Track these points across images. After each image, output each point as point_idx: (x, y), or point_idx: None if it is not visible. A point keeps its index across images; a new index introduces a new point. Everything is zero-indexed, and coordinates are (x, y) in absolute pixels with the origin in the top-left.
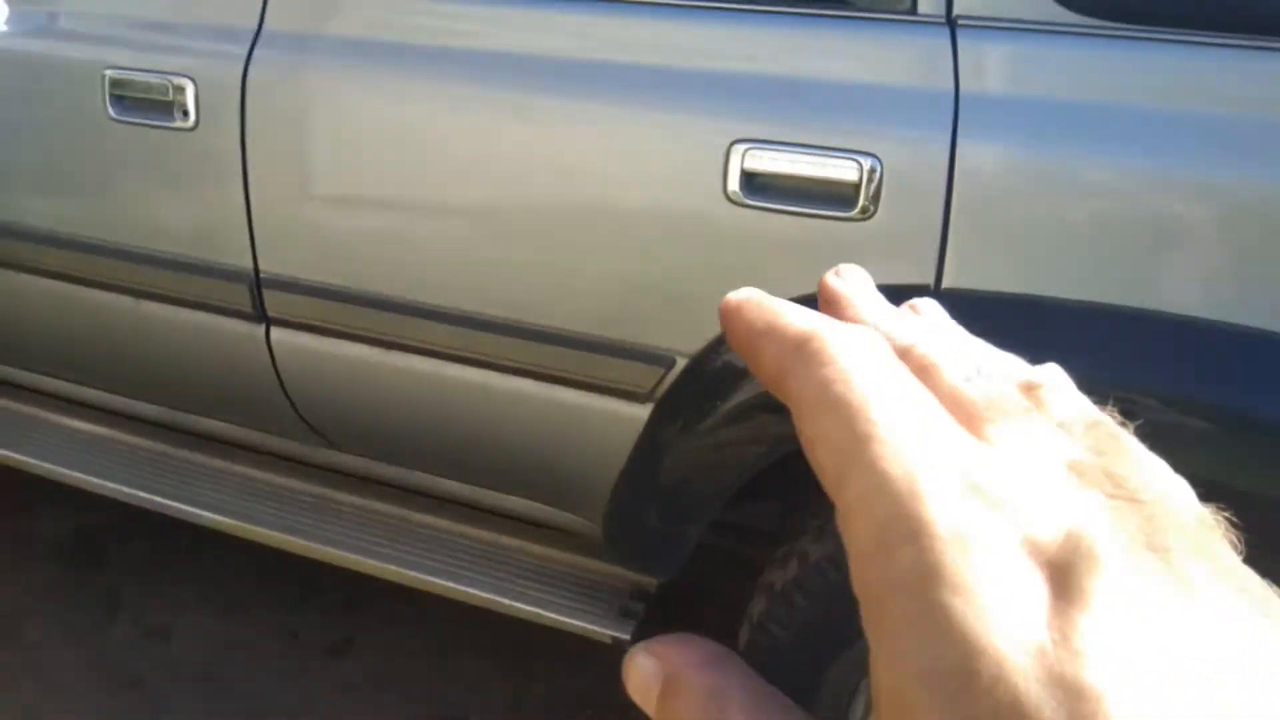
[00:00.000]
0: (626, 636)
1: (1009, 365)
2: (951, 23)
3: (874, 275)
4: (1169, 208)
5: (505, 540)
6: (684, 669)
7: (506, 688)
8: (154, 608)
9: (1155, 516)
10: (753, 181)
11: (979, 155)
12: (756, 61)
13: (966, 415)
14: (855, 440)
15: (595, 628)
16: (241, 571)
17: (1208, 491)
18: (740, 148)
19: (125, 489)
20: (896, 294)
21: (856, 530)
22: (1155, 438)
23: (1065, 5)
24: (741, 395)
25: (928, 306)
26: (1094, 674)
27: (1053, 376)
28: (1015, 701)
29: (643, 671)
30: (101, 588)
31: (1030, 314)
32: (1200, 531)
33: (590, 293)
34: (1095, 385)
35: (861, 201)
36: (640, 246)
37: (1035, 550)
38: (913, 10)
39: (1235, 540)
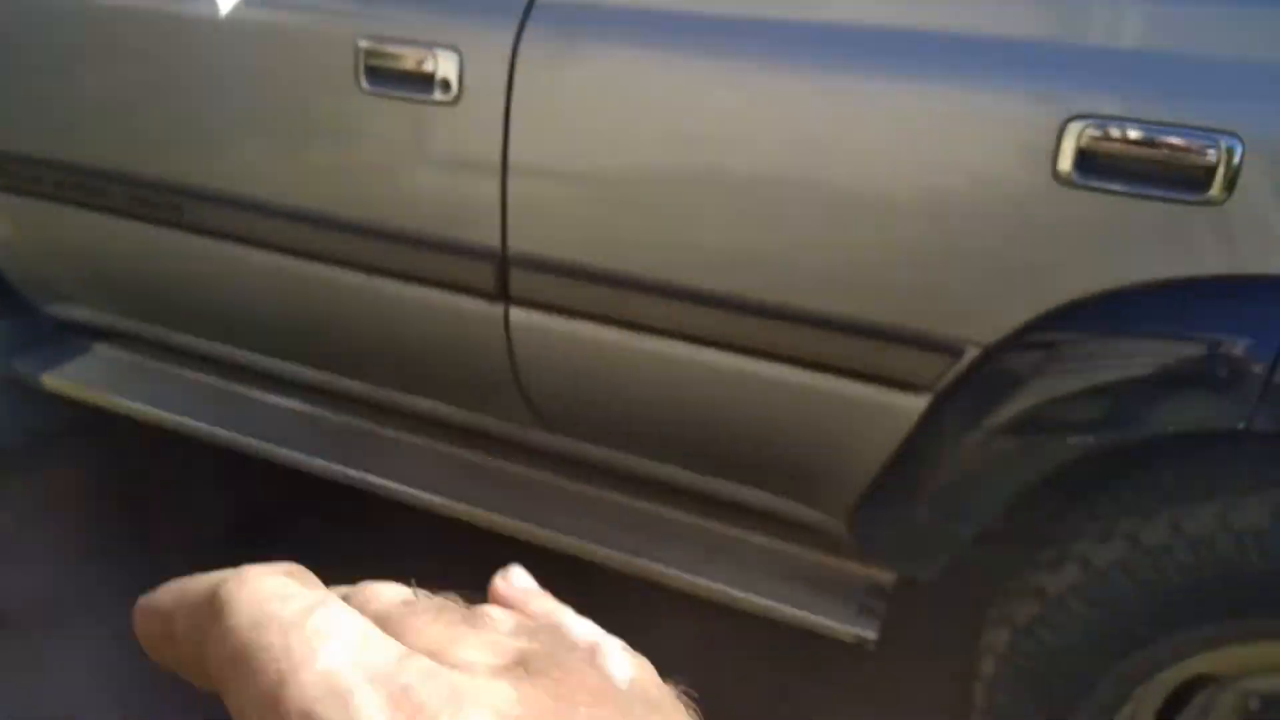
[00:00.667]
0: (872, 635)
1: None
2: None
3: (1209, 266)
4: None
5: (729, 530)
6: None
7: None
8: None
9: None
10: (1088, 161)
11: None
12: (1088, 33)
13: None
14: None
15: (839, 625)
16: (417, 550)
17: None
18: (1076, 125)
19: (334, 465)
20: (1249, 287)
21: None
22: None
23: None
24: (1040, 395)
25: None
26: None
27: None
28: None
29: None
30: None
31: None
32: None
33: (877, 277)
34: None
35: (1217, 184)
36: (945, 230)
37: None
38: None
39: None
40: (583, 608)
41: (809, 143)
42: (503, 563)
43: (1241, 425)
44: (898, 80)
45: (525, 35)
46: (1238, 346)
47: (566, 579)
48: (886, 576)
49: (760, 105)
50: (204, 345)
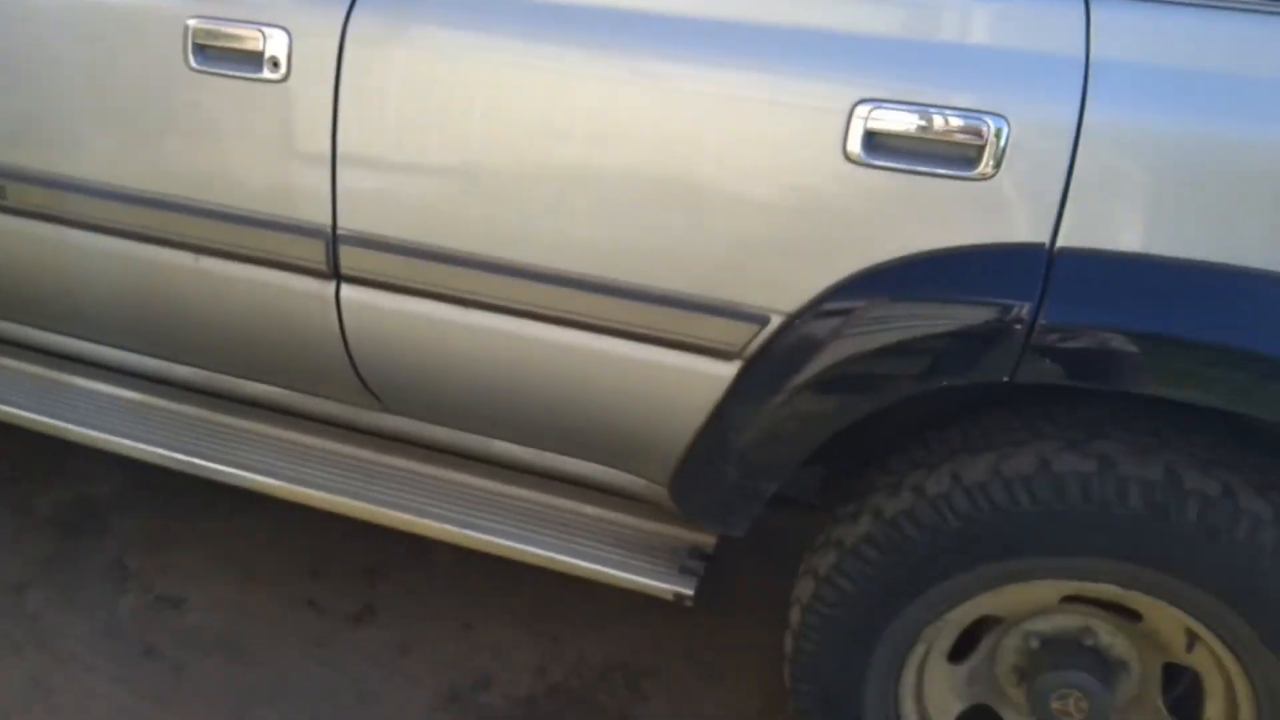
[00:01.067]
0: (689, 592)
1: None
2: None
3: (978, 237)
4: None
5: (559, 501)
6: None
7: (532, 653)
8: (165, 577)
9: None
10: (874, 141)
11: (1110, 120)
12: (881, 22)
13: None
14: None
15: (658, 583)
16: (253, 540)
17: None
18: (863, 108)
19: (166, 453)
20: (1010, 256)
21: None
22: None
23: None
24: (835, 355)
25: None
26: None
27: None
28: None
29: None
30: (108, 558)
31: (1157, 274)
32: None
33: (690, 251)
34: None
35: (985, 162)
36: (748, 208)
37: None
38: None
39: None
40: (420, 584)
41: (622, 125)
42: (343, 547)
43: (1006, 379)
44: (704, 66)
45: (354, 14)
46: (1003, 308)
47: (409, 557)
48: (708, 538)
49: (576, 89)
50: (29, 332)
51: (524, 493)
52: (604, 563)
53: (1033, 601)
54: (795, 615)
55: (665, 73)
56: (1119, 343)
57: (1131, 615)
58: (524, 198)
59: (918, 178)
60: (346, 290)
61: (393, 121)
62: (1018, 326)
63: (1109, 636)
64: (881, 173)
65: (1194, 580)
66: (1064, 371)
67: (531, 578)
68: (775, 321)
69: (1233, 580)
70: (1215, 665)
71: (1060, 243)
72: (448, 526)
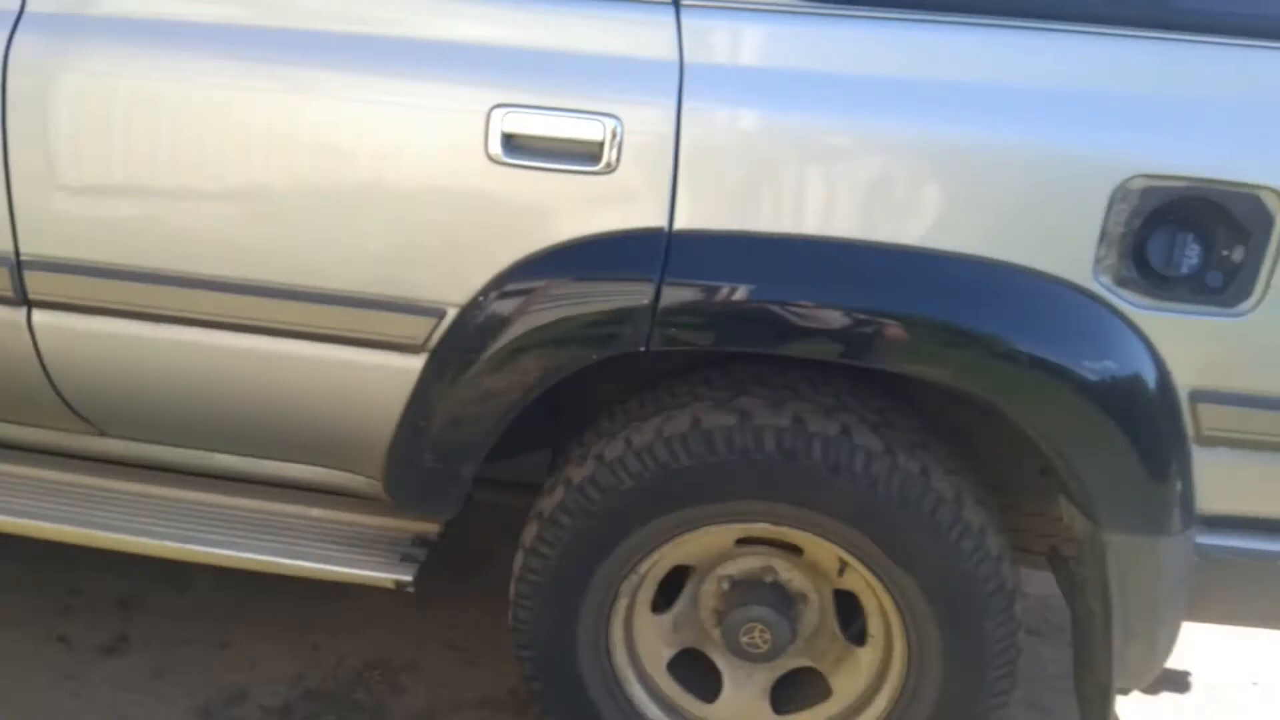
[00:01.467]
0: (409, 578)
1: None
2: (677, 3)
3: (610, 224)
4: (860, 156)
5: (284, 507)
6: None
7: (290, 663)
8: None
9: None
10: (512, 142)
11: (705, 115)
12: (512, 35)
13: None
14: None
15: (376, 574)
16: None
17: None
18: (499, 112)
19: None
20: (634, 240)
21: None
22: None
23: None
24: (501, 340)
25: None
26: None
27: None
28: None
29: None
30: None
31: (754, 249)
32: None
33: (361, 253)
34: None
35: (606, 158)
36: (410, 210)
37: None
38: None
39: None
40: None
41: (285, 137)
42: (96, 581)
43: (642, 348)
44: (357, 76)
45: (16, 38)
46: (633, 287)
47: (165, 585)
48: (430, 526)
49: (238, 104)
50: None
51: (248, 503)
52: (326, 561)
53: (713, 548)
54: (511, 587)
55: (324, 85)
56: (730, 309)
57: (796, 550)
58: (197, 212)
59: (553, 174)
60: (38, 315)
61: (63, 145)
62: (645, 303)
63: (787, 573)
64: (522, 171)
65: (827, 510)
66: (688, 338)
67: (290, 592)
68: (451, 314)
69: (857, 506)
70: (865, 585)
71: (677, 226)
72: (167, 543)
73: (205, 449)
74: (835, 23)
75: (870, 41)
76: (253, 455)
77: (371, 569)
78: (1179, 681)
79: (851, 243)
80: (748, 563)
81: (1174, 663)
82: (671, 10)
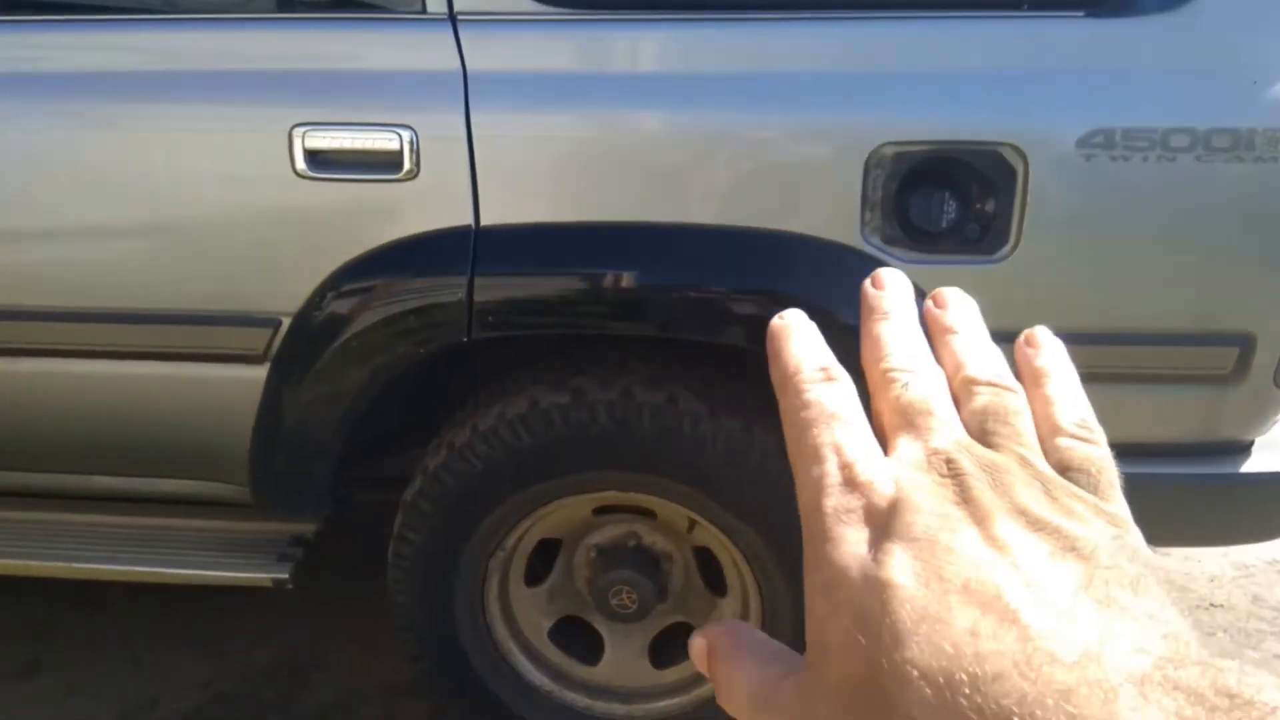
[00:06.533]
0: (285, 576)
1: (943, 382)
2: (454, 19)
3: (421, 226)
4: (644, 146)
5: (166, 521)
6: (716, 637)
7: (201, 671)
8: None
9: (978, 487)
10: (316, 158)
11: (491, 119)
12: (306, 60)
13: (896, 425)
14: (800, 452)
15: (255, 575)
16: None
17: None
18: (300, 130)
19: None
20: (445, 239)
21: (800, 505)
22: None
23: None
24: (337, 342)
25: (952, 299)
26: (889, 573)
27: (998, 397)
28: (850, 596)
29: (695, 647)
30: None
31: (552, 238)
32: (1041, 492)
33: (190, 272)
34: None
35: (407, 165)
36: (230, 228)
37: (871, 512)
38: (423, 10)
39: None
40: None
41: (108, 170)
42: (10, 611)
43: (466, 339)
44: (166, 107)
45: None
46: (449, 283)
47: (80, 610)
48: (307, 527)
49: (62, 142)
50: None
51: (131, 519)
52: (207, 567)
53: (573, 519)
54: (389, 574)
55: (138, 118)
56: (536, 296)
57: (650, 515)
58: (36, 247)
59: (360, 184)
60: None
61: None
62: (460, 297)
63: (649, 536)
64: (330, 184)
65: (664, 473)
66: (505, 325)
67: (199, 606)
68: (285, 323)
69: (689, 466)
70: (715, 540)
71: (483, 223)
72: (52, 563)
73: (79, 473)
74: (595, 26)
75: (633, 40)
76: (125, 475)
77: (250, 570)
78: None
79: (642, 226)
80: (612, 530)
81: None
82: (448, 25)
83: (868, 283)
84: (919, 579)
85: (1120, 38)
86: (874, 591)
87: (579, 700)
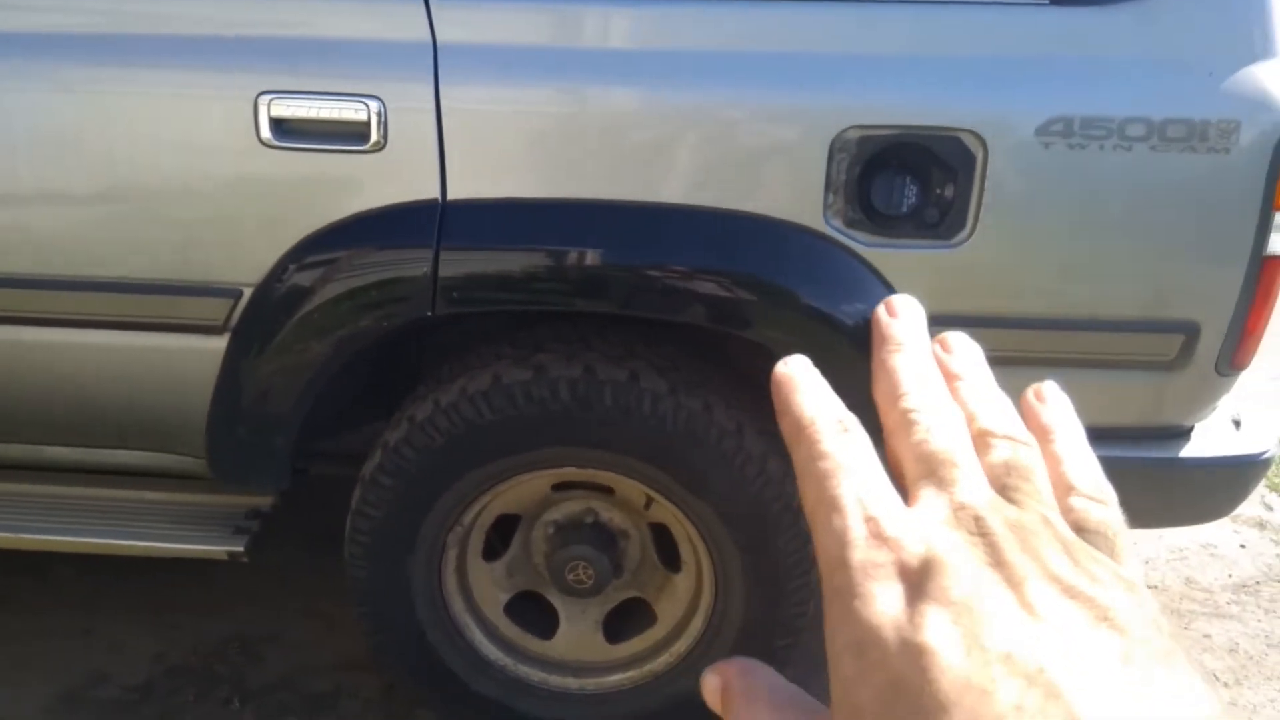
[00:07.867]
0: (240, 549)
1: (965, 430)
2: None
3: (387, 198)
4: (612, 123)
5: (121, 493)
6: (731, 677)
7: (151, 644)
8: None
9: (1009, 548)
10: (281, 127)
11: (461, 91)
12: (274, 26)
13: (918, 475)
14: (819, 505)
15: (209, 547)
16: None
17: None
18: (265, 98)
19: None
20: (411, 212)
21: (820, 558)
22: None
23: None
24: (299, 314)
25: (958, 345)
26: (927, 638)
27: (1014, 451)
28: (883, 659)
29: (708, 684)
30: None
31: (519, 213)
32: (1066, 556)
33: (152, 241)
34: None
35: (374, 136)
36: (192, 198)
37: (902, 569)
38: None
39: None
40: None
41: (68, 137)
42: None
43: (430, 313)
44: (127, 71)
45: None
46: (413, 256)
47: (26, 582)
48: (264, 499)
49: (22, 106)
50: None
51: (84, 491)
52: (161, 539)
53: (533, 495)
54: (346, 549)
55: (99, 81)
56: (501, 270)
57: (609, 491)
58: None
59: (326, 154)
60: None
61: None
62: (425, 271)
63: (606, 512)
64: (295, 153)
65: (624, 450)
66: (470, 301)
67: (150, 577)
68: (247, 293)
69: (649, 442)
70: (672, 516)
71: (450, 196)
72: (2, 534)
73: (32, 443)
74: (567, 0)
75: (604, 16)
76: (80, 445)
77: (205, 543)
78: None
79: (607, 203)
80: (570, 507)
81: None
82: None
83: (881, 309)
84: (959, 647)
85: (1083, 26)
86: (911, 657)
87: (533, 674)
